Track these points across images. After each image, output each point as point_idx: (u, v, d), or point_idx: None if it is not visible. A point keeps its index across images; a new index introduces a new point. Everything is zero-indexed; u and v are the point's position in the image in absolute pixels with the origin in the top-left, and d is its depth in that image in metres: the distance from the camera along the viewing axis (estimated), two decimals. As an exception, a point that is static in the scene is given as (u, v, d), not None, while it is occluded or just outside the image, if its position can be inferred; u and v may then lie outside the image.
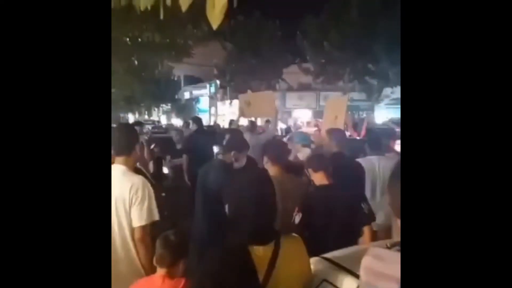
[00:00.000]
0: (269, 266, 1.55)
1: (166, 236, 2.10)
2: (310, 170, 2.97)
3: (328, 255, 1.82)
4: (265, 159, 3.27)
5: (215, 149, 5.18)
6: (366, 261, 1.14)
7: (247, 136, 6.23)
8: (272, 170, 3.17)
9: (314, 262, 1.77)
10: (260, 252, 1.55)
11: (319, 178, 2.89)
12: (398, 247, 1.12)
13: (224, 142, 3.79)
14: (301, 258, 1.68)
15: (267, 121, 8.60)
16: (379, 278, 1.09)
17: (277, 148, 3.41)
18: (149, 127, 16.46)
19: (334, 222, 2.64)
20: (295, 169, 3.55)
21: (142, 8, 1.21)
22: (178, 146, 6.35)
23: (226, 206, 3.00)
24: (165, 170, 6.15)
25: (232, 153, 3.32)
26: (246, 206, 1.61)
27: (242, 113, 6.44)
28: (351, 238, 2.60)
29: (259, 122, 9.60)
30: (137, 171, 2.63)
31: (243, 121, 7.59)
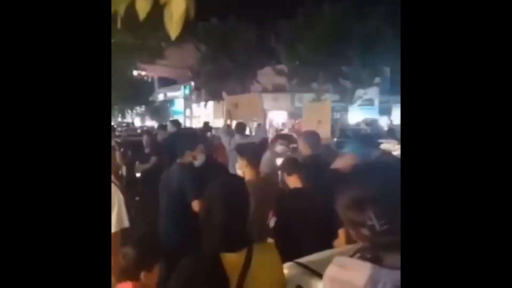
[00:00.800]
0: (241, 274, 1.51)
1: (125, 253, 2.05)
2: (284, 173, 2.96)
3: (302, 260, 1.80)
4: (241, 162, 3.23)
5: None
6: (330, 270, 1.14)
7: (236, 138, 6.12)
8: (248, 173, 3.14)
9: (288, 268, 1.75)
10: (232, 259, 1.52)
11: (292, 182, 2.88)
12: (359, 254, 1.12)
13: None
14: (274, 264, 1.65)
15: (259, 125, 8.44)
16: (343, 287, 1.09)
17: (253, 150, 3.37)
18: (122, 129, 16.14)
19: (309, 225, 2.63)
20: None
21: None
22: (147, 150, 6.21)
23: (193, 203, 2.87)
24: (138, 174, 6.03)
25: (186, 153, 3.24)
26: (218, 213, 1.58)
27: (229, 116, 6.33)
28: (326, 241, 2.60)
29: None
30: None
31: (219, 123, 7.43)
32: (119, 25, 1.24)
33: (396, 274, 1.03)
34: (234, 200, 1.59)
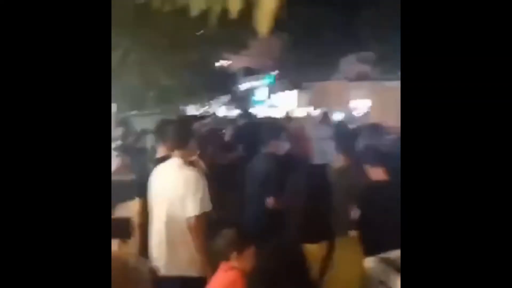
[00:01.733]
0: (323, 265, 1.53)
1: (226, 232, 2.15)
2: (366, 164, 2.88)
3: (385, 255, 1.76)
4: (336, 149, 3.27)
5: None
6: None
7: (320, 128, 6.09)
8: (341, 160, 3.17)
9: (371, 262, 1.72)
10: (314, 250, 1.54)
11: (376, 174, 2.80)
12: None
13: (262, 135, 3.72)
14: (357, 258, 1.65)
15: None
16: None
17: (348, 138, 3.36)
18: (209, 119, 16.70)
19: (392, 219, 2.55)
20: None
21: (193, 14, 1.22)
22: (231, 139, 6.37)
23: (268, 200, 2.95)
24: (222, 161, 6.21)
25: (271, 142, 3.30)
26: (300, 203, 1.60)
27: (316, 104, 6.33)
28: None
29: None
30: (192, 164, 2.72)
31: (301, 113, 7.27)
32: (212, 23, 1.28)
33: None
34: (316, 191, 1.60)
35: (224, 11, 1.23)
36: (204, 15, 1.35)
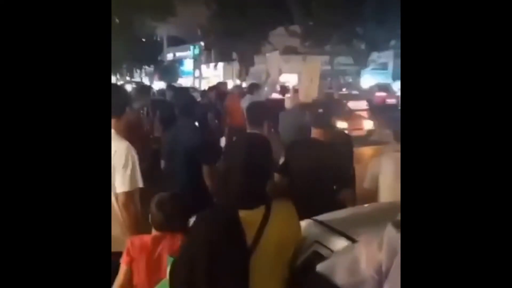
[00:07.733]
0: (258, 230, 1.50)
1: (160, 199, 2.08)
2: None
3: (320, 217, 1.79)
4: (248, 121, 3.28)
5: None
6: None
7: (246, 98, 6.10)
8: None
9: (306, 225, 1.74)
10: (249, 216, 1.51)
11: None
12: None
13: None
14: (292, 222, 1.64)
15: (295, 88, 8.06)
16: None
17: (256, 110, 3.39)
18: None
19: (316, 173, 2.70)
20: None
21: None
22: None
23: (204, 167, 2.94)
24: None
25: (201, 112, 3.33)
26: (236, 168, 1.55)
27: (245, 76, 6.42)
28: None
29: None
30: (129, 135, 2.50)
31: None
32: None
33: None
34: (256, 158, 1.55)
35: None
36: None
